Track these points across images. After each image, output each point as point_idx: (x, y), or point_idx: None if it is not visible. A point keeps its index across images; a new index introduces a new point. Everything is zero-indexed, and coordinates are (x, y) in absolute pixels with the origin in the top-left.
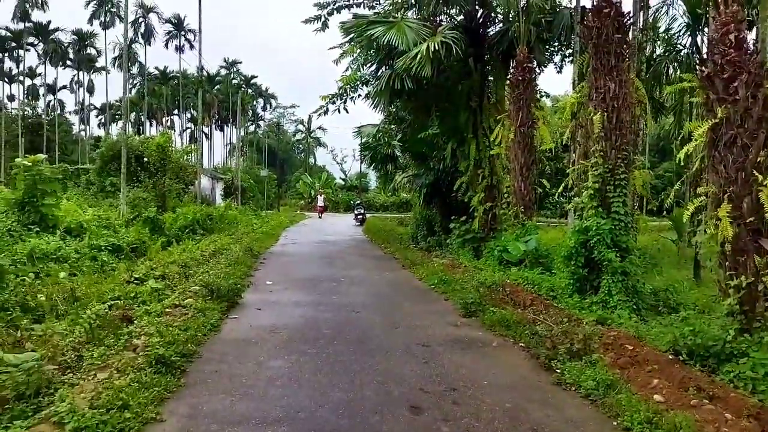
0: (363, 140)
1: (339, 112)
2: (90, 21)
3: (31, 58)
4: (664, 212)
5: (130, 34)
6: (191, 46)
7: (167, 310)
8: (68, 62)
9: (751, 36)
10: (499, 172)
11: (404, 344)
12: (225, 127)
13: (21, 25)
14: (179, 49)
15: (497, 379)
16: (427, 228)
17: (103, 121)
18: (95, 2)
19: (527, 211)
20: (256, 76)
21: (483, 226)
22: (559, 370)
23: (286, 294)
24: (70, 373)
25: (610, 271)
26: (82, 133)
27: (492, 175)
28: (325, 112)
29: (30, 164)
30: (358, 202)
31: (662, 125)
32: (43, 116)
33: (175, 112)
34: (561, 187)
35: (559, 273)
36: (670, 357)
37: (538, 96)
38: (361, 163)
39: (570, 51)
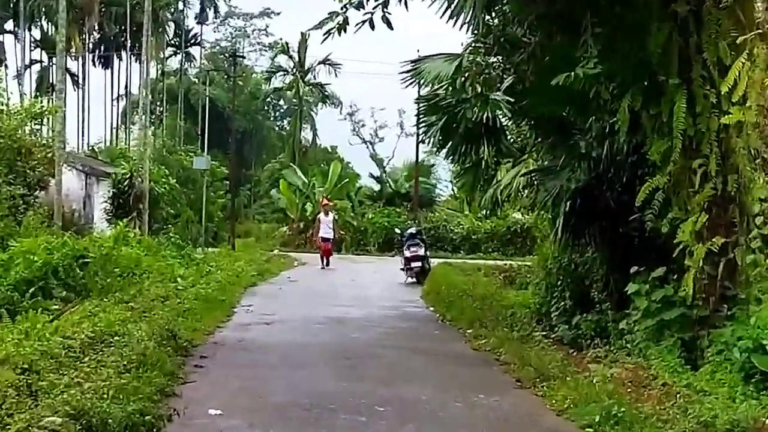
0: (423, 91)
1: (372, 26)
2: None
3: None
4: None
5: None
6: None
7: None
8: None
9: None
10: (742, 165)
11: None
12: (114, 60)
13: None
14: None
15: None
16: (572, 292)
17: None
18: None
19: None
20: None
21: (706, 291)
22: None
23: None
24: None
25: None
26: None
27: (725, 173)
28: (341, 28)
29: None
30: (413, 231)
31: None
32: None
33: (9, 26)
34: None
35: None
36: None
37: None
38: (419, 141)
39: None
